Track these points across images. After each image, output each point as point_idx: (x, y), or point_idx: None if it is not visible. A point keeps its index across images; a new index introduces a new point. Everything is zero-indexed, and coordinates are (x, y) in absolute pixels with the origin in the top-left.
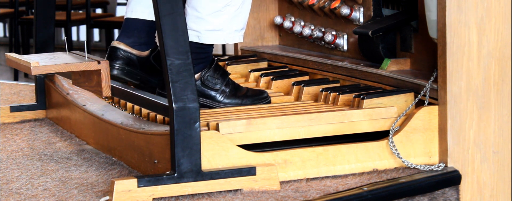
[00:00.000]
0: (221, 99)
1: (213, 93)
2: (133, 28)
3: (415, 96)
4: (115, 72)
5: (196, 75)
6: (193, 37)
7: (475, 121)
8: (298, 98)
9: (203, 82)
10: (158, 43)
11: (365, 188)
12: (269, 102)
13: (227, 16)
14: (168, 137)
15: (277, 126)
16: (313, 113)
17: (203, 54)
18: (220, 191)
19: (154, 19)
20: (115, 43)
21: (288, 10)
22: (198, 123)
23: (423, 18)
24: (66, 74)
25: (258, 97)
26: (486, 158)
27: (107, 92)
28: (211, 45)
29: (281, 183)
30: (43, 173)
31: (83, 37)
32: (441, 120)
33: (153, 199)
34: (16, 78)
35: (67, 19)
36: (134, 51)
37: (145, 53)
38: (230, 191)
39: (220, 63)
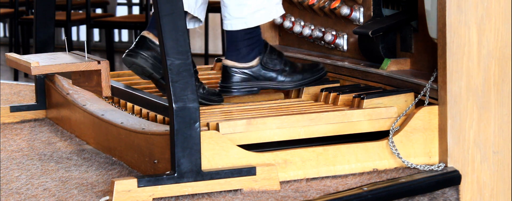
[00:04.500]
0: (283, 79)
1: (274, 74)
2: None
3: (415, 96)
4: (140, 61)
5: (255, 61)
6: (240, 24)
7: (475, 121)
8: (298, 98)
9: (263, 66)
10: None
11: (365, 188)
12: (325, 74)
13: None
14: (168, 137)
15: (277, 126)
16: (313, 113)
17: (254, 39)
18: (220, 191)
19: (188, 10)
20: (144, 33)
21: (288, 10)
22: (198, 123)
23: (423, 18)
24: (66, 74)
25: (315, 69)
26: (486, 158)
27: (107, 92)
28: (258, 28)
29: (281, 183)
30: (43, 173)
31: (83, 37)
32: (441, 120)
33: (153, 199)
34: (16, 78)
35: (67, 19)
36: None
37: None
38: (230, 191)
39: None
